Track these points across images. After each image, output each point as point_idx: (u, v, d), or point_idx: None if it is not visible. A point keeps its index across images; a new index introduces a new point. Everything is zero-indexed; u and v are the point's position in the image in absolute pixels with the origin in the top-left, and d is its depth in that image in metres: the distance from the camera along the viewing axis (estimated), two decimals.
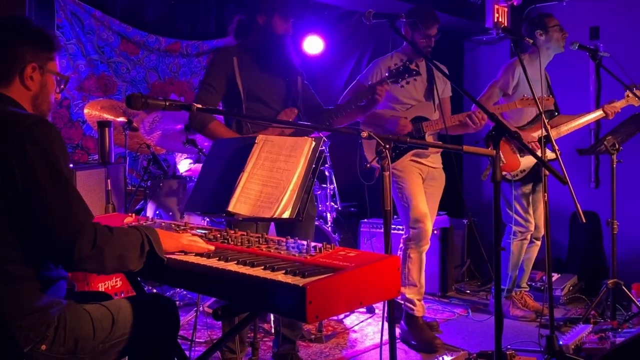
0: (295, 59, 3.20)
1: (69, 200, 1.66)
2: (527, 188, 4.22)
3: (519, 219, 4.21)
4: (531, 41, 3.40)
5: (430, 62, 2.82)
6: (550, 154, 3.92)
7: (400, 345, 3.69)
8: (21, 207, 1.64)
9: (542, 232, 4.27)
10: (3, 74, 1.82)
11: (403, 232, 3.88)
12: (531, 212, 4.25)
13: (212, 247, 1.89)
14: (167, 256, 1.82)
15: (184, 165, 4.83)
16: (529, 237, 4.27)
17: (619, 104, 4.12)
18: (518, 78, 4.15)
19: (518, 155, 4.11)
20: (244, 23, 3.17)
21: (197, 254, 1.84)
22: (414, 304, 3.71)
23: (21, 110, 1.81)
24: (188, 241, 1.87)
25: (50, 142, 1.68)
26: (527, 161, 4.12)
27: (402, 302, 3.77)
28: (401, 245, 3.93)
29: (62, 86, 1.96)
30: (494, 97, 4.17)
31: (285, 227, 3.03)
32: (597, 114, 4.14)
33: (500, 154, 4.06)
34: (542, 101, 3.68)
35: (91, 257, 1.65)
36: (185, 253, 1.86)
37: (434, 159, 3.86)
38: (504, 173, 4.15)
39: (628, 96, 4.09)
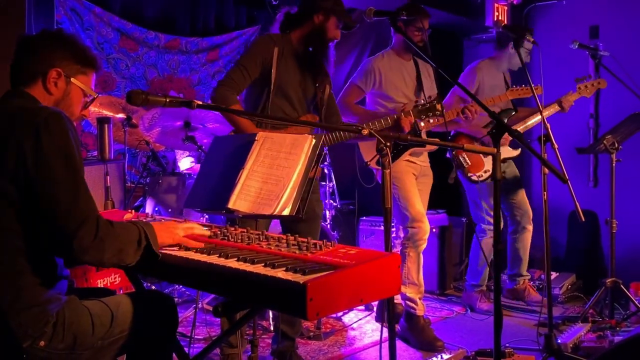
0: (330, 65, 3.22)
1: (77, 191, 1.68)
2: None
3: (488, 218, 4.27)
4: (531, 39, 3.41)
5: (430, 59, 2.82)
6: (514, 152, 3.97)
7: (399, 343, 3.69)
8: (30, 194, 1.66)
9: (530, 215, 4.34)
10: (29, 74, 1.87)
11: (395, 232, 3.89)
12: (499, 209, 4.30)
13: (208, 232, 1.94)
14: (166, 252, 1.82)
15: (185, 163, 4.82)
16: None
17: (573, 97, 4.11)
18: (479, 84, 4.23)
19: (482, 155, 4.15)
20: (295, 17, 3.14)
21: (196, 251, 1.84)
22: (415, 303, 3.71)
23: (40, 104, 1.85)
24: (184, 232, 1.90)
25: (65, 133, 1.71)
26: (490, 161, 4.15)
27: (403, 301, 3.78)
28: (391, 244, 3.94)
29: (87, 104, 2.00)
30: (456, 104, 4.19)
31: (290, 225, 3.04)
32: (555, 109, 4.12)
33: (465, 155, 4.13)
34: (536, 92, 3.71)
35: (92, 249, 1.66)
36: (183, 248, 1.86)
37: (424, 157, 3.92)
38: (469, 174, 4.19)
39: (579, 89, 4.10)
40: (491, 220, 4.26)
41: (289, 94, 3.08)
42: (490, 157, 4.13)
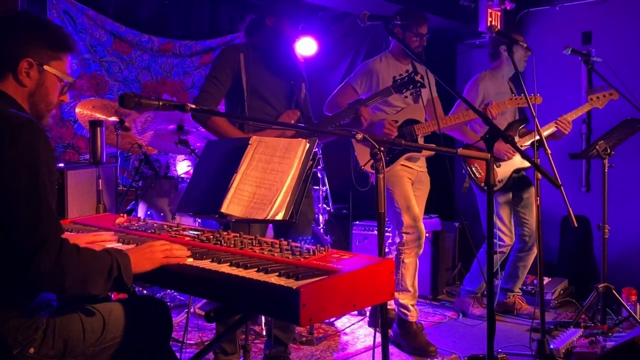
0: (300, 65, 3.25)
1: (38, 211, 1.57)
2: (506, 198, 4.24)
3: (499, 233, 4.21)
4: (525, 45, 3.42)
5: (423, 64, 2.83)
6: (524, 163, 3.96)
7: (391, 349, 3.68)
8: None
9: (536, 236, 4.29)
10: (1, 68, 1.76)
11: (391, 238, 3.89)
12: (510, 225, 4.26)
13: (188, 252, 1.81)
14: None
15: (182, 167, 4.80)
16: (506, 251, 4.28)
17: (571, 115, 4.04)
18: (483, 93, 4.21)
19: (494, 165, 4.13)
20: (253, 22, 3.21)
21: (189, 255, 1.82)
22: (408, 310, 3.70)
23: (12, 108, 1.73)
24: (164, 253, 1.77)
25: (33, 146, 1.60)
26: (504, 170, 4.14)
27: (396, 307, 3.77)
28: (386, 250, 3.95)
29: (64, 89, 1.88)
30: (464, 112, 4.18)
31: (282, 229, 3.03)
32: (550, 130, 4.05)
33: (477, 165, 4.10)
34: (535, 103, 3.71)
35: (51, 275, 1.55)
36: None
37: (422, 162, 3.90)
38: (482, 185, 4.17)
39: (591, 99, 4.05)
40: (501, 236, 4.21)
41: (264, 95, 3.11)
42: (503, 166, 4.12)
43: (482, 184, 4.16)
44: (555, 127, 4.05)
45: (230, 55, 3.09)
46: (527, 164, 4.24)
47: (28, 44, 1.76)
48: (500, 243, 4.23)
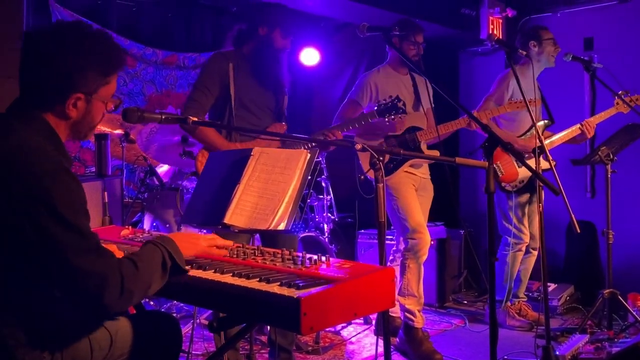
0: (287, 78, 3.27)
1: (87, 251, 1.53)
2: (524, 198, 4.22)
3: (514, 230, 4.20)
4: (524, 53, 3.44)
5: (422, 73, 2.86)
6: (544, 164, 3.94)
7: (397, 357, 3.69)
8: (36, 262, 1.52)
9: (539, 242, 4.28)
10: (41, 95, 1.63)
11: (395, 245, 3.91)
12: (526, 223, 4.25)
13: (231, 242, 1.88)
14: None
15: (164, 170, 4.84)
16: (524, 248, 4.27)
17: (596, 119, 4.09)
18: (512, 90, 4.18)
19: (516, 165, 4.12)
20: (244, 32, 3.23)
21: (192, 266, 1.83)
22: (414, 315, 3.71)
23: (46, 141, 1.61)
24: (208, 242, 1.84)
25: (65, 195, 1.51)
26: (526, 171, 4.13)
27: (402, 312, 3.78)
28: (391, 257, 3.97)
29: (111, 108, 1.79)
30: (491, 109, 4.19)
31: (269, 239, 3.04)
32: (573, 133, 4.12)
33: (499, 164, 4.09)
34: (536, 109, 3.71)
35: (119, 302, 1.56)
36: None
37: (425, 169, 3.94)
38: (503, 184, 4.16)
39: (617, 104, 4.06)
40: (518, 234, 4.20)
41: (250, 106, 3.14)
42: (524, 168, 4.10)
43: (503, 184, 4.16)
44: (580, 130, 4.07)
45: (220, 65, 3.11)
46: (546, 165, 4.24)
47: (79, 75, 1.62)
48: (518, 241, 4.22)
